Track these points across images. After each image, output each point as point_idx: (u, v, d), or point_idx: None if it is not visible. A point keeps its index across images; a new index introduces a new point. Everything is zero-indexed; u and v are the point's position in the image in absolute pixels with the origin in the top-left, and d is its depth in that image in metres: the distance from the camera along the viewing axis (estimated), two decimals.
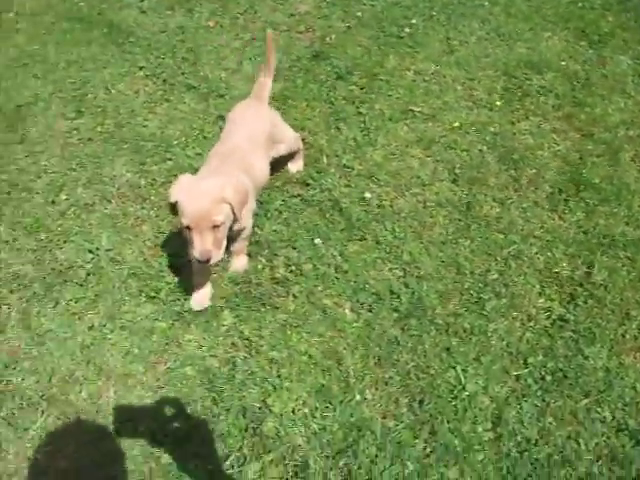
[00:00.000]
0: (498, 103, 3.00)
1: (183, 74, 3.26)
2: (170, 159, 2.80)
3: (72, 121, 3.09)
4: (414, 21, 3.51)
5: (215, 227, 1.87)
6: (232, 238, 2.16)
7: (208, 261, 1.89)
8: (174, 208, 1.94)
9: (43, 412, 1.98)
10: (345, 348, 2.09)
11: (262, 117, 2.39)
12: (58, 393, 2.03)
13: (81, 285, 2.34)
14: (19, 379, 2.07)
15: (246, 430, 1.90)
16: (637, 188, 2.61)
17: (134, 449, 1.88)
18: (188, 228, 1.88)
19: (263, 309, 2.22)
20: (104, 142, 2.94)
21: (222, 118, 2.95)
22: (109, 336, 2.17)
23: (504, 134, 2.85)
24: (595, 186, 2.60)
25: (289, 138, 2.53)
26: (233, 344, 2.13)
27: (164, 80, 3.24)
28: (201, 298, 2.23)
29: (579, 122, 2.92)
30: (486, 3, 3.65)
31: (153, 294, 2.28)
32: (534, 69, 3.20)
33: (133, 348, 2.13)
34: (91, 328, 2.20)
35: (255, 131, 2.32)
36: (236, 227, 2.08)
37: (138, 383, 2.04)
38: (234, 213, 1.94)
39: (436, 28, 3.47)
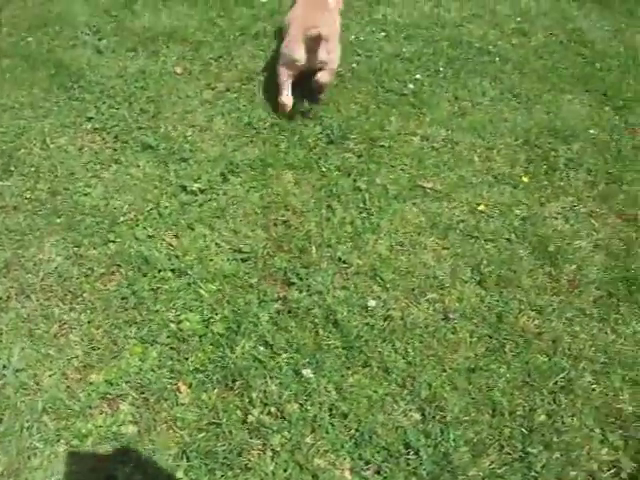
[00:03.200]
0: (524, 179, 2.49)
1: (140, 129, 2.64)
2: (113, 241, 2.14)
3: None
4: (418, 76, 3.02)
5: None
6: None
7: None
8: None
9: None
10: None
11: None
12: None
13: None
14: None
15: None
16: None
17: None
18: None
19: (230, 472, 1.56)
20: (32, 213, 2.26)
21: (184, 189, 2.35)
22: None
23: (534, 219, 2.33)
24: None
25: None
26: None
27: (115, 136, 2.61)
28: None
29: (618, 203, 2.45)
30: (497, 59, 3.22)
31: (76, 441, 1.59)
32: (559, 137, 2.74)
33: None
34: None
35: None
36: None
37: None
38: None
39: (443, 85, 2.99)
